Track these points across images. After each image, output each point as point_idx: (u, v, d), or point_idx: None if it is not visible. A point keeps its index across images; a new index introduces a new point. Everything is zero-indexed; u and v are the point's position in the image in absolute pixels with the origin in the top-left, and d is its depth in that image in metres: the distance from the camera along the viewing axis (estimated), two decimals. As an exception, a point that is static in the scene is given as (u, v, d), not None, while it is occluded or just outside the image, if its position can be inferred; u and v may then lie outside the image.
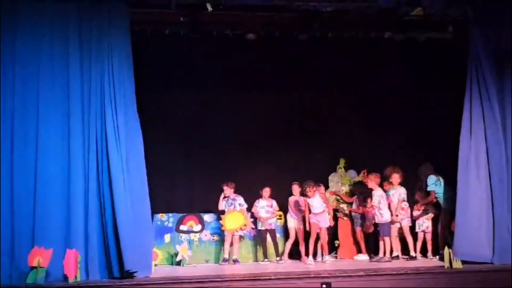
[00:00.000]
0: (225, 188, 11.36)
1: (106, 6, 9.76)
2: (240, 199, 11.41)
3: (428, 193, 11.20)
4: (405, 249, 11.27)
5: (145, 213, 9.58)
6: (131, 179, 9.46)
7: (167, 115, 12.10)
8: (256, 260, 11.56)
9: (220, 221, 11.28)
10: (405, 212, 11.28)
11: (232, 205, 11.33)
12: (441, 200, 11.13)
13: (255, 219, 11.50)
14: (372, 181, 11.27)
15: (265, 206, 11.48)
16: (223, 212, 11.38)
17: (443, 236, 10.99)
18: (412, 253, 11.10)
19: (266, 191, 11.56)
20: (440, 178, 11.23)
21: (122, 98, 9.63)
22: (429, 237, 11.34)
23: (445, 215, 11.03)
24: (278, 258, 11.28)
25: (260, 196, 11.57)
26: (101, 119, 9.52)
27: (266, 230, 11.41)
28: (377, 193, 11.14)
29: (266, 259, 11.29)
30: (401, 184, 11.30)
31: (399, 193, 11.20)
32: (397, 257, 11.03)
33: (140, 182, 9.58)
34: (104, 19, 9.72)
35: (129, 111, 9.73)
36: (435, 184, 11.14)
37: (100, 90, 9.57)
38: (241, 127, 12.31)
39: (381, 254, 11.04)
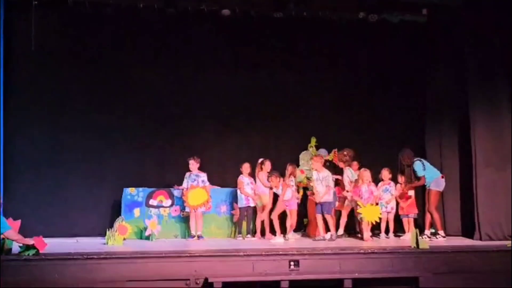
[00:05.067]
0: (191, 162, 11.18)
1: None
2: (204, 176, 11.25)
3: (418, 178, 11.24)
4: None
5: None
6: None
7: (136, 90, 12.02)
8: (228, 236, 11.59)
9: (183, 197, 11.27)
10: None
11: (196, 181, 11.19)
12: (428, 182, 11.21)
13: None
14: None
15: (250, 183, 11.39)
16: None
17: (431, 216, 11.13)
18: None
19: (246, 167, 11.40)
20: (424, 161, 11.35)
21: None
22: (391, 217, 11.49)
23: (434, 196, 11.15)
24: (249, 235, 11.35)
25: (240, 173, 11.41)
26: None
27: (248, 207, 11.35)
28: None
29: (239, 235, 11.31)
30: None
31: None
32: (342, 235, 11.17)
33: None
34: None
35: None
36: (423, 169, 11.19)
37: None
38: (213, 104, 12.29)
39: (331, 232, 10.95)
